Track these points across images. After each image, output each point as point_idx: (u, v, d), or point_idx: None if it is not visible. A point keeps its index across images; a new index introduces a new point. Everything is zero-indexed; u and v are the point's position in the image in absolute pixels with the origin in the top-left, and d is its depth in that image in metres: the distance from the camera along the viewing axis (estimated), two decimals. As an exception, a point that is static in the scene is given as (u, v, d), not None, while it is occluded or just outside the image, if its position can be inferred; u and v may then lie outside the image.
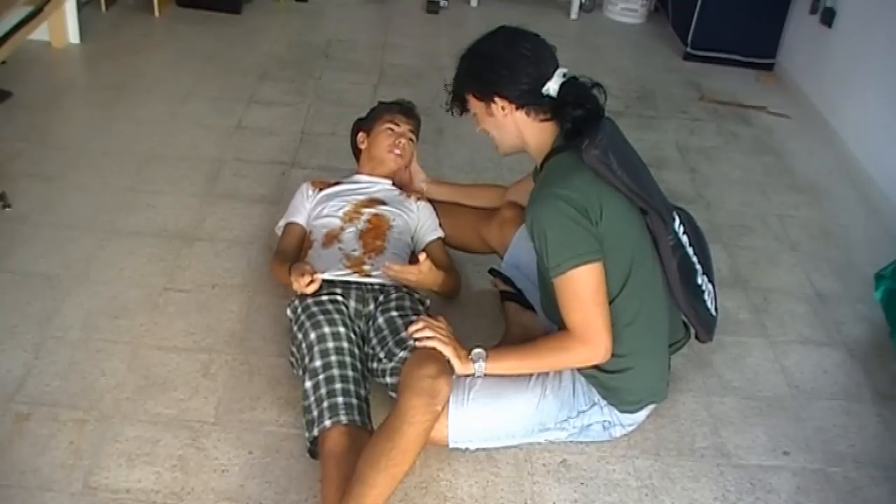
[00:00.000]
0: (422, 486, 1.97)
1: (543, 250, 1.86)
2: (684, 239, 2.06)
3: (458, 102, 2.06)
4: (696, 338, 2.19)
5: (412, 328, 1.97)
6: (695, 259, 2.09)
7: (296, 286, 2.11)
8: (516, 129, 1.98)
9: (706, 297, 2.12)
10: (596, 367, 1.96)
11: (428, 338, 1.93)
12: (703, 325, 2.13)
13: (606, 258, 1.86)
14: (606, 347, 1.88)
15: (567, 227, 1.83)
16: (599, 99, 1.97)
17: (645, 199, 1.93)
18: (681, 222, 2.07)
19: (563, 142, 1.95)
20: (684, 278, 2.03)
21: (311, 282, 2.10)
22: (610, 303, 1.90)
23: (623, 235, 1.90)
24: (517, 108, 1.95)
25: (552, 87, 1.92)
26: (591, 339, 1.87)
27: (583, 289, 1.84)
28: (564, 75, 1.95)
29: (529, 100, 1.93)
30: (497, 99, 1.95)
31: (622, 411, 2.04)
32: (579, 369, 1.99)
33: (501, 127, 2.00)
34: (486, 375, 1.95)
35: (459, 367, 1.92)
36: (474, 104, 2.02)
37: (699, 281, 2.09)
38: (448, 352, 1.92)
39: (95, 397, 2.11)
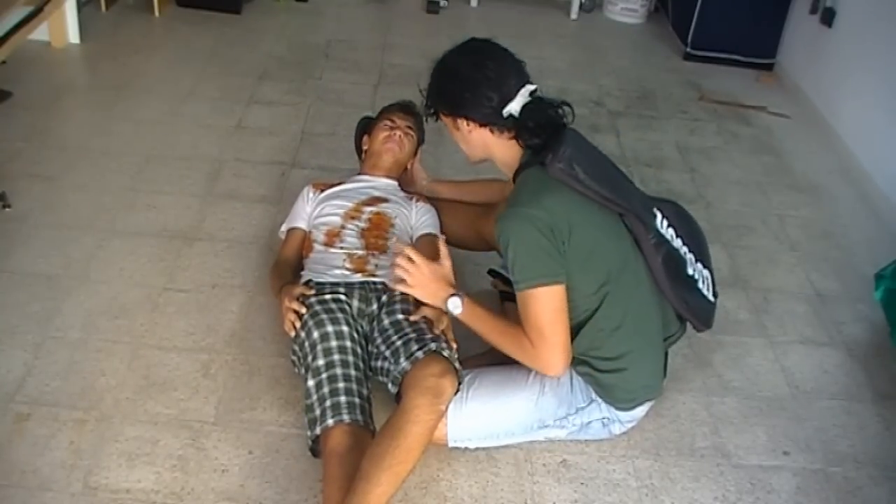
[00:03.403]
0: (422, 486, 1.97)
1: (509, 264, 1.88)
2: (669, 233, 2.06)
3: (433, 110, 2.09)
4: (694, 328, 2.18)
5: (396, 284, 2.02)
6: (684, 250, 2.09)
7: (286, 307, 2.13)
8: (483, 143, 2.01)
9: (700, 284, 2.12)
10: (590, 366, 1.97)
11: (402, 282, 1.99)
12: (697, 315, 2.12)
13: (579, 276, 1.87)
14: (557, 366, 1.90)
15: (531, 248, 1.84)
16: (563, 118, 1.98)
17: (619, 203, 1.95)
18: (663, 216, 2.07)
19: (530, 157, 1.96)
20: (671, 273, 2.03)
21: (302, 296, 2.14)
22: (592, 315, 1.92)
23: (597, 251, 1.91)
24: (481, 126, 1.97)
25: (514, 107, 1.93)
26: (544, 355, 1.89)
27: (541, 309, 1.86)
28: (531, 94, 1.94)
29: (492, 120, 1.95)
30: (461, 118, 1.98)
31: (618, 409, 2.04)
32: (575, 367, 2.00)
33: (468, 141, 2.03)
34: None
35: (432, 303, 2.02)
36: (443, 118, 2.06)
37: (690, 271, 2.09)
38: (416, 293, 2.00)
39: (95, 397, 2.11)
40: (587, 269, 1.89)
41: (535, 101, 1.95)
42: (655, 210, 2.06)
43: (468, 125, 1.98)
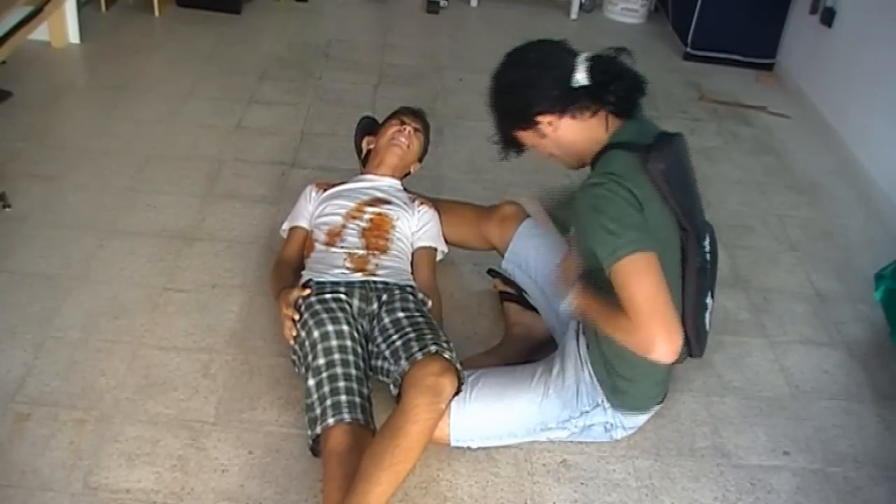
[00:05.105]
0: (422, 485, 1.97)
1: (598, 234, 1.75)
2: (708, 258, 2.01)
3: (511, 145, 2.00)
4: (690, 354, 2.09)
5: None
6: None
7: (283, 314, 2.13)
8: (572, 137, 1.91)
9: (706, 313, 2.08)
10: (611, 367, 1.94)
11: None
12: (699, 342, 2.08)
13: None
14: (666, 347, 1.69)
15: (624, 214, 1.74)
16: (629, 63, 1.89)
17: (689, 220, 1.89)
18: (710, 241, 2.01)
19: (624, 137, 1.88)
20: (699, 298, 1.98)
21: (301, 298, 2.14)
22: None
23: (661, 244, 1.84)
24: (560, 116, 1.88)
25: (580, 76, 1.85)
26: (652, 332, 1.69)
27: (643, 278, 1.69)
28: (587, 59, 1.87)
29: (567, 101, 1.86)
30: (539, 118, 1.89)
31: (625, 414, 2.04)
32: (593, 365, 1.98)
33: (560, 143, 1.93)
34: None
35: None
36: (524, 137, 1.96)
37: (707, 300, 2.06)
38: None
39: (95, 397, 2.11)
40: None
41: (594, 60, 1.87)
42: (707, 234, 2.00)
43: (549, 124, 1.89)
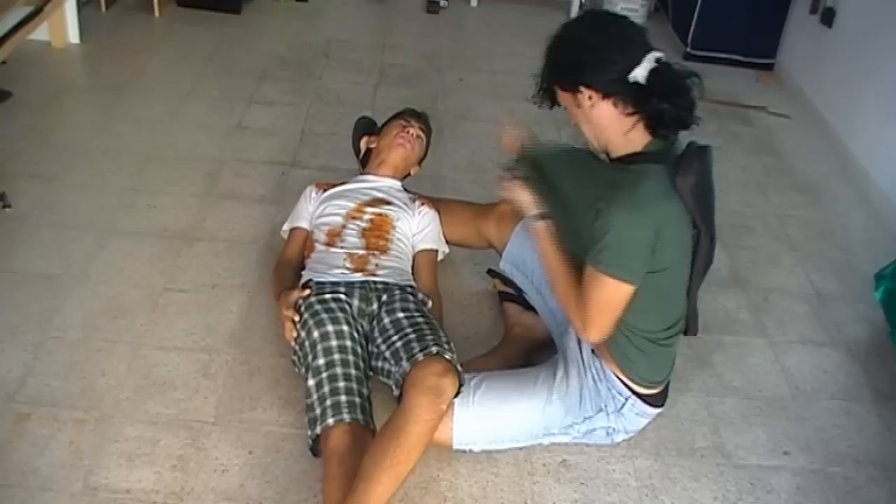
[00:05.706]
0: (422, 486, 1.97)
1: (602, 242, 1.79)
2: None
3: (547, 96, 1.98)
4: (687, 331, 2.12)
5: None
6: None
7: (284, 315, 2.14)
8: (603, 123, 1.87)
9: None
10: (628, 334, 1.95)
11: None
12: (694, 321, 2.10)
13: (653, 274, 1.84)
14: (588, 337, 1.92)
15: (634, 244, 1.79)
16: (693, 89, 1.83)
17: (706, 225, 1.90)
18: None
19: (658, 147, 1.85)
20: (697, 288, 2.03)
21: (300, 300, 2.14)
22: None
23: (669, 269, 1.88)
24: (603, 98, 1.83)
25: (640, 73, 1.78)
26: (578, 323, 1.91)
27: (601, 295, 1.83)
28: (658, 61, 1.80)
29: (616, 88, 1.81)
30: (583, 88, 1.84)
31: (645, 396, 2.01)
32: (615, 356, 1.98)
33: (590, 119, 1.88)
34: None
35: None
36: (562, 96, 1.92)
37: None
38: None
39: (95, 397, 2.11)
40: (651, 279, 1.85)
41: (663, 66, 1.80)
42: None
43: (590, 98, 1.84)
